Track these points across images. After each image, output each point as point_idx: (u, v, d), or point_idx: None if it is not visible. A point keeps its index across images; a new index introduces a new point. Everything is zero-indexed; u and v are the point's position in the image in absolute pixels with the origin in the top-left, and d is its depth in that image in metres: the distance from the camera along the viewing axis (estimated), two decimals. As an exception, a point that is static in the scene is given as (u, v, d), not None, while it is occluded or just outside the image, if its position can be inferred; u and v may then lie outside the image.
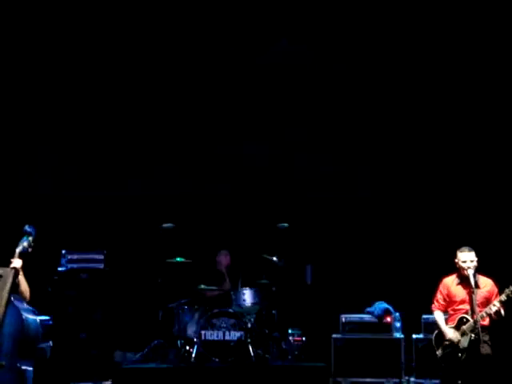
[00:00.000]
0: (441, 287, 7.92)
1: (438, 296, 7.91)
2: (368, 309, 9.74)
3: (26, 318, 7.34)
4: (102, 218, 10.92)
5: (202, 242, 10.74)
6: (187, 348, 9.71)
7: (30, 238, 7.31)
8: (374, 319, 9.63)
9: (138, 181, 11.17)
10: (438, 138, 11.19)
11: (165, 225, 9.93)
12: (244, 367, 9.44)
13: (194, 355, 9.59)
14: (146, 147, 11.22)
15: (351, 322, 9.66)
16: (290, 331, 9.94)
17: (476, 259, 7.61)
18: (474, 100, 11.09)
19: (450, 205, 11.07)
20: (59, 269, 9.65)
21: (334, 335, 9.59)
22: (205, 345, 9.57)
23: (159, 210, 10.71)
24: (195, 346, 9.62)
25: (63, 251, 9.71)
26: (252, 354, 9.57)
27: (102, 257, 9.69)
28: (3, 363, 6.92)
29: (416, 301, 9.90)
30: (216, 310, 9.76)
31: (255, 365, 9.50)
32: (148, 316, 10.09)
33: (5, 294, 7.13)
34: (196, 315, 9.93)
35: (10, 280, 7.21)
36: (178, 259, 9.96)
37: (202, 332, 9.61)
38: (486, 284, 7.70)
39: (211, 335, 9.62)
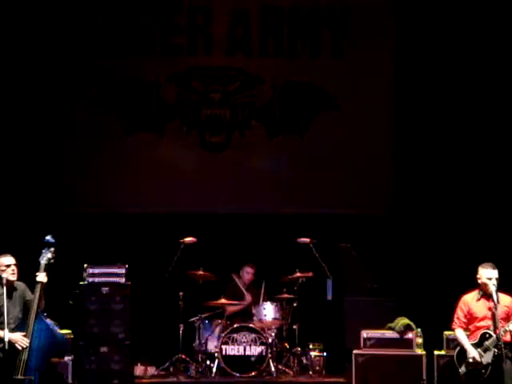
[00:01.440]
0: (461, 304, 7.90)
1: (459, 313, 7.88)
2: (389, 324, 9.68)
3: (56, 332, 7.40)
4: (124, 233, 10.97)
5: (224, 256, 10.76)
6: (208, 363, 9.72)
7: (52, 249, 7.37)
8: (395, 335, 9.58)
9: (161, 199, 11.23)
10: (453, 152, 11.21)
11: (187, 239, 9.96)
12: (265, 382, 9.43)
13: (214, 370, 9.60)
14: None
15: (372, 338, 9.60)
16: (310, 346, 9.92)
17: (497, 277, 7.58)
18: (490, 114, 11.09)
19: (471, 220, 11.04)
20: (81, 283, 9.66)
21: (355, 351, 9.54)
22: (225, 359, 9.57)
23: (181, 225, 10.74)
24: (216, 361, 9.63)
25: (85, 265, 9.72)
26: (273, 369, 9.56)
27: (123, 271, 9.69)
28: (32, 378, 6.97)
29: (438, 317, 9.83)
30: (237, 325, 9.76)
31: (276, 380, 9.49)
32: (169, 330, 10.09)
33: (33, 309, 7.19)
34: (217, 330, 9.93)
35: (37, 294, 7.26)
36: (200, 273, 9.98)
37: (223, 347, 9.61)
38: (505, 300, 7.67)
39: (232, 350, 9.62)
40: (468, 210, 11.08)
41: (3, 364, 7.04)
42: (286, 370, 9.84)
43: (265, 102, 11.54)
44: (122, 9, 11.45)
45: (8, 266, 7.38)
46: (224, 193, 11.33)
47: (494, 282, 7.60)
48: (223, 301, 10.06)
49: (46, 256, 7.41)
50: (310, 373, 9.77)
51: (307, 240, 10.09)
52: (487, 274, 7.66)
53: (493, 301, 7.57)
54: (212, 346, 9.82)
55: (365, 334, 9.58)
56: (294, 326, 10.00)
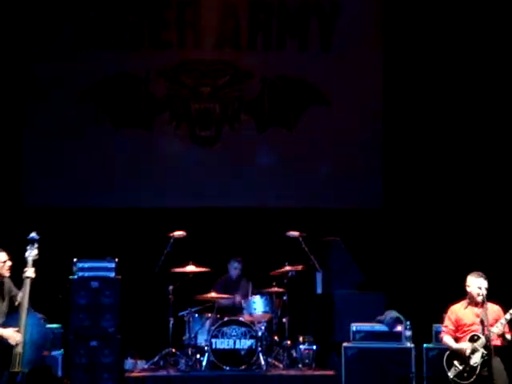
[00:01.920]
0: (449, 314, 8.03)
1: (447, 322, 8.02)
2: (379, 317, 9.72)
3: (45, 325, 7.42)
4: (113, 228, 10.98)
5: (213, 250, 10.77)
6: (198, 356, 9.72)
7: (37, 245, 7.40)
8: (384, 328, 9.62)
9: (151, 194, 11.24)
10: (451, 148, 11.25)
11: (176, 233, 9.97)
12: (254, 376, 9.45)
13: (204, 363, 9.61)
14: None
15: (362, 331, 9.64)
16: (300, 339, 9.95)
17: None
18: (482, 106, 11.14)
19: (461, 214, 11.09)
20: (70, 277, 9.66)
21: (345, 344, 9.58)
22: (215, 353, 9.58)
23: (171, 220, 10.75)
24: (206, 355, 9.63)
25: (74, 259, 9.72)
26: (263, 362, 9.58)
27: (113, 265, 9.70)
28: (26, 370, 6.99)
29: (427, 310, 9.91)
30: (227, 319, 9.78)
31: (266, 373, 9.51)
32: (159, 324, 10.09)
33: (25, 304, 7.21)
34: (207, 323, 9.94)
35: (27, 290, 7.29)
36: (190, 268, 9.99)
37: (213, 340, 9.62)
38: (494, 308, 7.78)
39: (222, 343, 9.63)
40: (458, 203, 11.12)
41: None
42: (276, 363, 9.85)
43: (254, 95, 11.57)
44: (111, 3, 11.44)
45: (4, 262, 7.41)
46: (213, 187, 11.34)
47: (484, 291, 7.68)
48: (213, 295, 10.07)
49: (33, 252, 7.46)
50: (300, 366, 9.79)
51: (296, 234, 10.10)
52: (477, 283, 7.75)
53: (482, 306, 7.63)
54: (202, 339, 9.82)
55: (354, 327, 9.62)
56: (284, 320, 10.00)
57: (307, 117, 11.57)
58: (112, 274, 9.67)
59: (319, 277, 10.56)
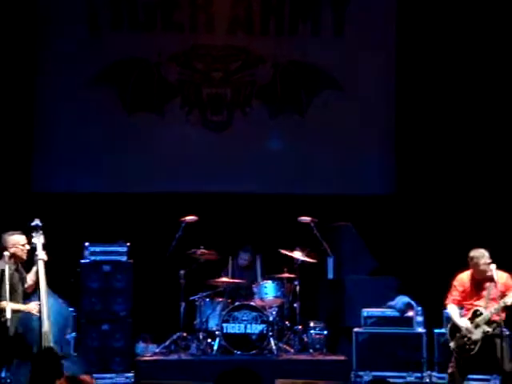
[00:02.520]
0: (455, 283, 7.99)
1: (454, 292, 7.97)
2: (390, 303, 9.71)
3: (66, 308, 7.55)
4: (125, 212, 10.99)
5: (224, 235, 10.77)
6: (209, 341, 9.74)
7: (41, 231, 7.51)
8: (395, 313, 9.61)
9: (163, 178, 11.24)
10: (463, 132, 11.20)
11: (188, 218, 9.97)
12: (265, 360, 9.47)
13: (215, 348, 9.63)
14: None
15: (373, 316, 9.64)
16: (311, 324, 9.95)
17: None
18: (494, 90, 11.08)
19: (473, 199, 11.04)
20: (82, 261, 9.69)
21: (356, 329, 9.57)
22: (226, 337, 9.60)
23: (183, 204, 10.75)
24: (217, 339, 9.65)
25: (86, 243, 9.75)
26: (274, 347, 9.59)
27: (125, 249, 9.73)
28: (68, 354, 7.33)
29: (438, 295, 9.86)
30: (238, 303, 9.79)
31: (277, 358, 9.53)
32: (170, 308, 10.12)
33: (42, 286, 7.31)
34: (218, 308, 9.96)
35: (43, 271, 7.38)
36: (201, 252, 10.00)
37: (224, 325, 9.63)
38: (502, 277, 7.71)
39: (233, 328, 9.65)
40: (472, 187, 11.06)
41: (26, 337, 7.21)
42: (287, 348, 9.86)
43: (266, 81, 11.52)
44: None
45: (23, 245, 7.47)
46: (225, 172, 11.32)
47: (492, 266, 7.66)
48: (224, 279, 10.09)
49: (40, 238, 7.55)
50: (311, 351, 9.79)
51: (308, 219, 10.09)
52: (485, 259, 7.73)
53: (490, 281, 7.60)
54: (213, 324, 9.84)
55: (365, 312, 9.62)
56: (295, 305, 10.02)
57: (319, 102, 11.53)
58: (124, 258, 9.70)
59: (331, 262, 10.54)
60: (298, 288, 10.00)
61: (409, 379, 9.32)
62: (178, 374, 9.26)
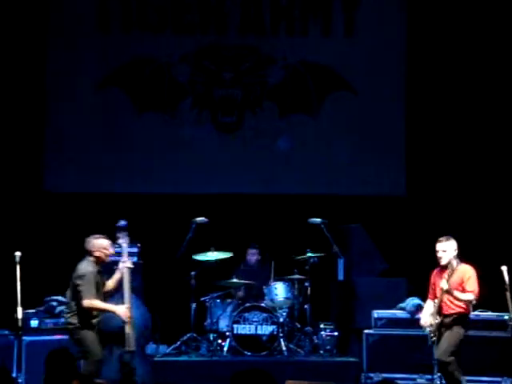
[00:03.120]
0: (430, 277, 8.14)
1: (430, 288, 8.13)
2: (400, 304, 9.69)
3: (147, 313, 7.66)
4: (136, 213, 10.98)
5: (235, 236, 10.77)
6: (219, 341, 9.75)
7: (127, 232, 7.57)
8: (406, 315, 9.59)
9: (173, 179, 11.26)
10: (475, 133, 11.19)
11: (198, 219, 9.97)
12: (276, 361, 9.47)
13: (226, 349, 9.64)
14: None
15: (383, 318, 9.62)
16: (321, 326, 9.95)
17: (451, 249, 7.84)
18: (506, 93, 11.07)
19: (486, 203, 11.02)
20: (93, 261, 9.68)
21: (366, 331, 9.56)
22: (237, 338, 9.60)
23: (193, 206, 10.76)
24: (227, 340, 9.66)
25: (97, 244, 9.74)
26: (284, 348, 9.59)
27: (136, 250, 9.73)
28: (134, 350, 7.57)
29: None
30: (248, 304, 9.79)
31: (287, 359, 9.52)
32: (181, 309, 10.13)
33: (127, 291, 7.59)
34: (228, 309, 9.96)
35: (128, 278, 7.64)
36: (211, 256, 10.00)
37: (235, 326, 9.64)
38: (461, 269, 7.81)
39: (243, 329, 9.65)
40: (481, 190, 11.05)
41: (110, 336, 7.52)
42: (297, 349, 9.85)
43: (277, 81, 11.53)
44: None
45: (108, 248, 7.64)
46: (236, 173, 11.33)
47: (441, 254, 7.85)
48: (235, 280, 10.09)
49: (126, 239, 7.64)
50: (321, 352, 9.79)
51: (319, 220, 10.08)
52: (436, 247, 7.94)
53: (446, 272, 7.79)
54: (223, 324, 9.85)
55: (376, 313, 9.60)
56: (306, 306, 10.02)
57: (330, 102, 11.54)
58: (135, 259, 9.70)
59: (341, 263, 10.53)
60: (308, 289, 10.00)
61: (419, 381, 9.29)
62: (188, 375, 9.26)
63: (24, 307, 7.91)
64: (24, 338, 8.42)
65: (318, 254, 10.07)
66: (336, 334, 9.91)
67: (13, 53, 11.02)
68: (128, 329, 7.47)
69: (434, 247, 10.75)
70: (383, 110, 11.43)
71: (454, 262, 7.82)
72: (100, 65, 11.33)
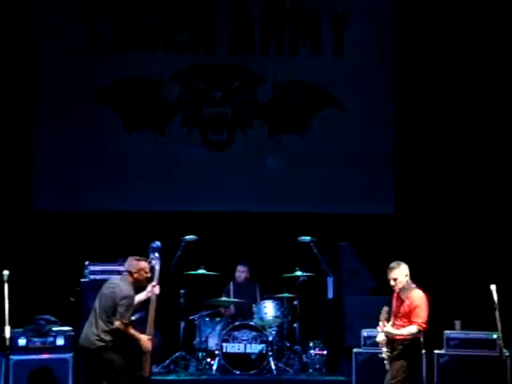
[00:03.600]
0: None
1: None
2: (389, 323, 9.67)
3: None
4: (125, 231, 10.99)
5: (224, 254, 10.77)
6: (208, 360, 9.73)
7: (160, 255, 7.60)
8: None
9: (163, 197, 11.28)
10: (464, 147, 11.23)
11: (187, 237, 9.97)
12: (265, 380, 9.45)
13: (215, 367, 9.62)
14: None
15: (372, 337, 9.57)
16: (311, 344, 9.93)
17: (401, 275, 7.74)
18: (494, 109, 11.13)
19: (474, 218, 11.06)
20: (81, 280, 9.67)
21: (356, 349, 9.55)
22: (226, 357, 9.58)
23: (183, 223, 10.76)
24: (216, 358, 9.64)
25: (86, 262, 9.73)
26: (273, 367, 9.57)
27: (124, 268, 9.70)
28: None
29: (437, 316, 9.86)
30: (237, 323, 9.78)
31: (276, 378, 9.50)
32: (169, 328, 10.10)
33: (152, 318, 7.60)
34: (217, 327, 9.95)
35: (154, 305, 7.63)
36: (200, 271, 10.00)
37: (224, 344, 9.62)
38: (410, 297, 7.69)
39: (232, 347, 9.64)
40: (472, 208, 11.09)
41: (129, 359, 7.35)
42: (287, 368, 9.84)
43: (266, 100, 11.57)
44: (123, 6, 11.47)
45: (147, 272, 7.53)
46: (225, 191, 11.35)
47: (392, 283, 7.74)
48: (224, 299, 10.08)
49: (159, 261, 7.68)
50: (311, 371, 9.78)
51: (308, 239, 10.10)
52: (387, 276, 7.81)
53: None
54: (213, 343, 9.83)
55: (365, 332, 9.58)
56: (295, 325, 10.01)
57: (319, 121, 11.59)
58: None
59: (330, 282, 10.54)
60: (297, 308, 10.00)
61: (408, 400, 9.27)
62: (177, 394, 9.24)
63: (12, 326, 7.87)
64: (11, 356, 8.37)
65: (307, 274, 10.07)
66: (325, 352, 9.91)
67: (1, 69, 11.01)
68: (145, 356, 7.40)
69: (421, 265, 10.88)
70: (372, 129, 11.49)
71: (404, 290, 7.71)
72: (90, 83, 11.34)
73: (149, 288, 7.64)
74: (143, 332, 7.47)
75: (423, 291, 10.63)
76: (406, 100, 11.41)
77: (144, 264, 7.54)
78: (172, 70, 11.49)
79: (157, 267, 7.72)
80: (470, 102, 11.23)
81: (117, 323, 7.21)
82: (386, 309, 7.80)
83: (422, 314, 7.64)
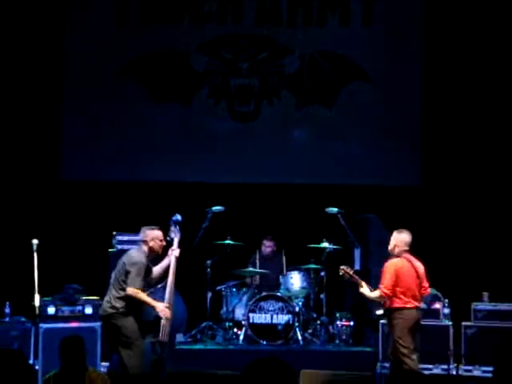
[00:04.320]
0: None
1: None
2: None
3: (184, 306, 7.71)
4: (152, 202, 11.02)
5: (251, 226, 10.77)
6: (235, 330, 9.78)
7: (179, 227, 7.82)
8: (422, 305, 9.55)
9: (190, 168, 11.28)
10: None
11: (214, 208, 9.98)
12: (291, 350, 9.48)
13: (241, 337, 9.68)
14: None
15: (399, 308, 9.57)
16: (337, 315, 9.95)
17: (391, 242, 8.10)
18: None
19: (504, 193, 10.96)
20: (110, 250, 9.73)
21: (382, 321, 9.53)
22: (253, 327, 9.63)
23: (210, 195, 10.77)
24: (243, 329, 9.69)
25: (114, 232, 9.78)
26: (300, 337, 9.60)
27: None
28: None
29: (465, 287, 9.85)
30: (264, 293, 9.81)
31: (303, 348, 9.53)
32: (197, 298, 10.15)
33: (172, 281, 7.68)
34: (244, 298, 9.99)
35: (174, 268, 7.71)
36: (227, 242, 10.02)
37: (250, 315, 9.67)
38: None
39: (259, 318, 9.68)
40: (498, 179, 11.00)
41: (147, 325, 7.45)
42: (313, 338, 9.87)
43: (293, 71, 11.51)
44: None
45: (161, 240, 7.66)
46: (252, 162, 11.33)
47: (391, 245, 8.08)
48: (251, 269, 10.11)
49: (178, 234, 7.75)
50: (337, 342, 9.80)
51: (335, 210, 10.07)
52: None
53: None
54: (239, 313, 9.88)
55: (392, 303, 9.56)
56: (321, 296, 10.03)
57: (347, 92, 11.50)
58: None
59: (357, 253, 10.52)
60: (324, 279, 10.00)
61: (435, 371, 9.28)
62: (203, 363, 9.25)
63: (41, 295, 7.96)
64: (41, 325, 8.47)
65: (334, 246, 10.05)
66: (352, 323, 9.91)
67: (31, 42, 11.05)
68: (164, 321, 7.46)
69: (449, 237, 10.84)
70: (400, 100, 11.39)
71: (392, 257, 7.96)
72: (117, 54, 11.34)
73: (169, 252, 7.68)
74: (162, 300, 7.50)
75: (450, 262, 10.65)
76: (433, 72, 11.28)
77: (157, 232, 7.62)
78: (199, 41, 11.46)
79: (176, 239, 7.76)
80: (501, 71, 11.08)
81: (128, 290, 7.31)
82: (343, 266, 8.01)
83: (383, 280, 7.85)
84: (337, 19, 11.48)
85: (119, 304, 7.37)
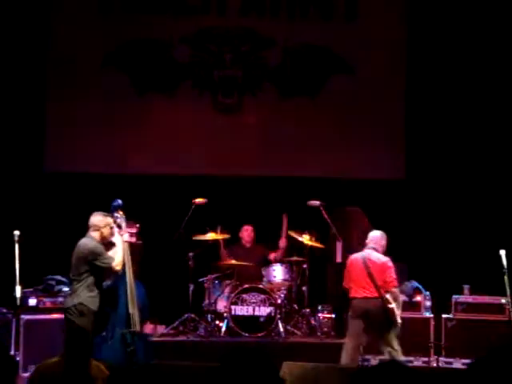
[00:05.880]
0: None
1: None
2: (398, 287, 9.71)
3: (145, 292, 7.75)
4: (136, 194, 10.98)
5: (234, 218, 10.78)
6: (217, 322, 9.79)
7: (122, 212, 7.79)
8: (403, 298, 9.61)
9: (173, 160, 11.27)
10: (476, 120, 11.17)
11: (197, 200, 9.97)
12: (273, 343, 9.50)
13: (223, 329, 9.68)
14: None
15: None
16: (319, 308, 9.98)
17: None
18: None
19: (486, 187, 11.02)
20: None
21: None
22: (234, 319, 9.64)
23: (193, 187, 10.76)
24: (225, 321, 9.69)
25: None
26: (281, 329, 9.62)
27: (134, 230, 9.73)
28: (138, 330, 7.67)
29: (446, 280, 9.90)
30: (246, 286, 9.82)
31: (284, 340, 9.55)
32: (179, 290, 10.16)
33: (130, 267, 7.70)
34: (226, 290, 9.99)
35: (128, 253, 7.62)
36: (209, 234, 10.02)
37: (232, 307, 9.67)
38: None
39: (241, 310, 9.69)
40: (480, 173, 11.06)
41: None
42: (295, 330, 9.89)
43: (277, 63, 11.50)
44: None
45: (112, 227, 7.65)
46: (235, 154, 11.33)
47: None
48: (233, 261, 10.11)
49: (123, 218, 7.81)
50: (319, 334, 9.83)
51: (317, 203, 10.09)
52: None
53: None
54: (221, 305, 9.88)
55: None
56: (304, 288, 10.05)
57: (330, 86, 11.51)
58: (133, 239, 9.70)
59: (339, 246, 10.54)
60: (306, 271, 10.02)
61: (416, 363, 9.33)
62: (185, 355, 9.27)
63: (22, 286, 7.94)
64: (22, 316, 8.45)
65: (316, 238, 10.08)
66: (333, 315, 9.94)
67: (14, 34, 10.98)
68: (131, 309, 7.47)
69: (431, 230, 10.90)
70: (383, 93, 11.42)
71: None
72: (100, 45, 11.29)
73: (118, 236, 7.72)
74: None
75: (432, 255, 10.73)
76: (417, 65, 11.32)
77: (110, 220, 7.65)
78: (182, 32, 11.42)
79: (123, 224, 7.76)
80: (484, 63, 11.12)
81: (115, 267, 7.45)
82: None
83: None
84: (320, 12, 11.47)
85: (76, 296, 7.43)
